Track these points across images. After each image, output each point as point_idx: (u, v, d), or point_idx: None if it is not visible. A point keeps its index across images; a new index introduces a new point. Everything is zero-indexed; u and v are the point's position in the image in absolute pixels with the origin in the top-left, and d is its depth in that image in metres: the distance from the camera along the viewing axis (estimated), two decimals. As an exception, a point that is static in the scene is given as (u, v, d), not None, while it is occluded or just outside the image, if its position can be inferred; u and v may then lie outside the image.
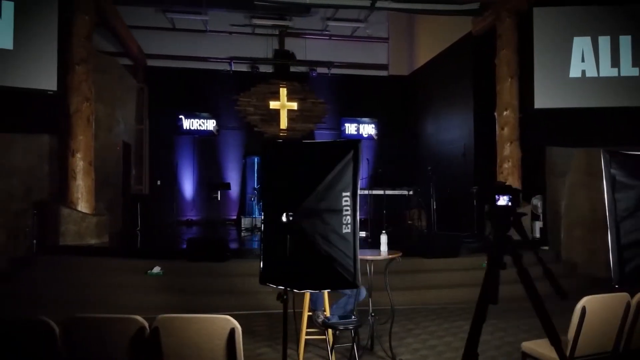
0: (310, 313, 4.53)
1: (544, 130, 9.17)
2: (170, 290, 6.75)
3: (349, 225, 2.31)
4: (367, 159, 12.27)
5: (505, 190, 2.30)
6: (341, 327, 3.88)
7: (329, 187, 2.29)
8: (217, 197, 10.32)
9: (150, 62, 13.19)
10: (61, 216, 7.91)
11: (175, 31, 13.22)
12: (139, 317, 2.76)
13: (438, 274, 7.36)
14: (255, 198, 11.07)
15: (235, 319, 5.91)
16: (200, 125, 13.05)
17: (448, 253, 7.68)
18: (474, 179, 10.20)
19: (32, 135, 8.52)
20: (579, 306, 3.46)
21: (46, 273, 7.41)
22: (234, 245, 8.36)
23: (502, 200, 2.31)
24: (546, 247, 8.79)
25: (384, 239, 4.74)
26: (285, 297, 2.27)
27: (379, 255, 4.63)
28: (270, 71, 13.50)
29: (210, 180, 11.82)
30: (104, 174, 10.03)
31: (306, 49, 13.53)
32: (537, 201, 9.32)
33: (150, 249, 8.45)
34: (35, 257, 7.72)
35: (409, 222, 10.27)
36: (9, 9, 7.39)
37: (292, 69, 13.57)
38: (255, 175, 12.26)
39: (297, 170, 2.37)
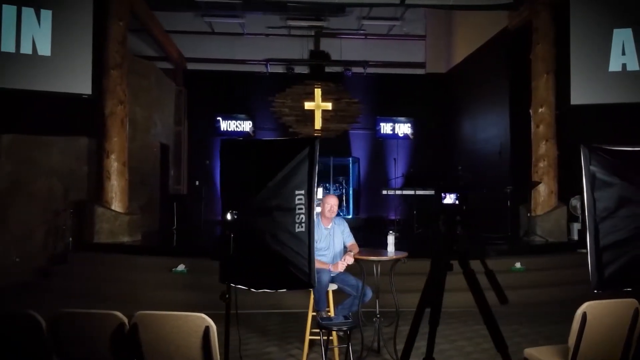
0: (314, 313, 4.52)
1: (582, 127, 8.76)
2: (192, 288, 6.90)
3: (303, 224, 2.29)
4: (394, 159, 12.13)
5: (452, 188, 2.21)
6: (335, 328, 3.86)
7: (281, 185, 2.28)
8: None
9: (190, 66, 13.54)
10: (96, 215, 8.23)
11: (214, 35, 13.51)
12: (118, 313, 2.83)
13: (461, 277, 7.15)
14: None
15: (251, 317, 6.03)
16: (237, 126, 13.28)
17: (474, 255, 7.44)
18: (510, 178, 9.88)
19: (70, 138, 8.93)
20: (579, 312, 3.29)
21: (80, 269, 7.77)
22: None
23: (449, 199, 2.23)
24: (584, 250, 8.39)
25: (390, 239, 4.67)
26: (227, 296, 2.28)
27: (386, 255, 4.57)
28: (306, 72, 13.57)
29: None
30: (141, 174, 10.38)
31: (341, 49, 13.52)
32: (575, 202, 8.95)
33: (178, 248, 8.67)
34: (71, 254, 8.09)
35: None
36: (47, 17, 7.75)
37: (327, 69, 13.58)
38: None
39: (252, 168, 2.37)
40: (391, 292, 4.61)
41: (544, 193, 8.75)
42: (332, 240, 4.71)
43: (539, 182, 8.71)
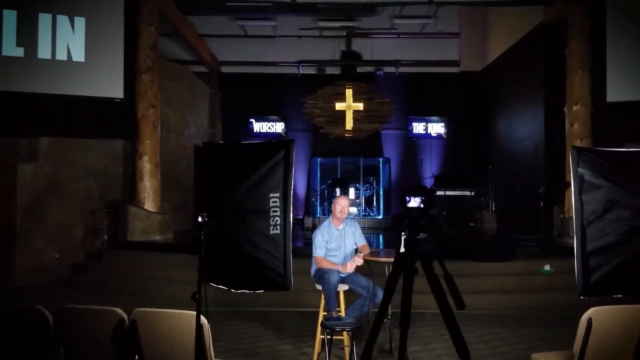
0: (325, 313, 4.55)
1: (618, 126, 8.43)
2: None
3: (278, 227, 2.31)
4: (421, 159, 11.99)
5: (417, 191, 2.20)
6: (338, 329, 3.87)
7: (255, 188, 2.31)
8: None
9: (224, 69, 13.79)
10: (129, 214, 8.52)
11: (247, 38, 13.71)
12: (119, 310, 2.95)
13: (488, 279, 7.04)
14: (314, 198, 11.22)
15: (271, 315, 6.11)
16: (269, 128, 13.44)
17: (501, 257, 7.31)
18: (544, 178, 9.62)
19: (107, 140, 9.27)
20: (584, 318, 3.19)
21: (114, 265, 8.09)
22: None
23: (414, 202, 2.21)
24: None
25: (403, 240, 4.63)
26: (198, 295, 2.33)
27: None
28: (337, 73, 13.59)
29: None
30: (176, 175, 10.68)
31: (373, 49, 13.46)
32: (612, 203, 8.61)
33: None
34: (106, 251, 8.42)
35: (471, 224, 9.89)
36: (80, 24, 8.07)
37: (359, 69, 13.56)
38: (318, 176, 12.43)
39: (229, 170, 2.42)
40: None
41: (577, 193, 8.45)
42: (343, 241, 4.73)
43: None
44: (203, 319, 2.87)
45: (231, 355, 4.78)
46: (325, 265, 4.55)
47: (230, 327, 5.73)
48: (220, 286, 2.57)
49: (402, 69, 13.33)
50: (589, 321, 3.18)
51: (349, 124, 13.24)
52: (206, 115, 12.66)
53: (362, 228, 11.56)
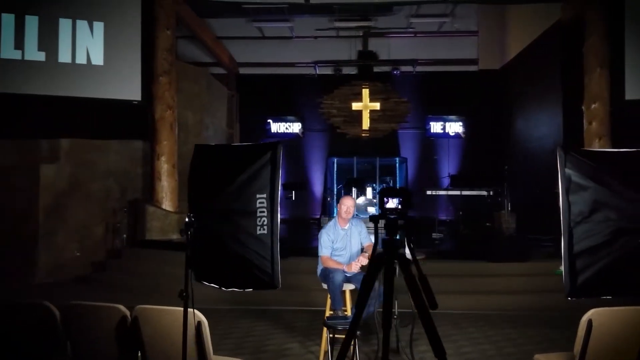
0: (332, 312, 4.60)
1: (638, 124, 8.26)
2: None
3: (265, 227, 2.37)
4: (436, 158, 11.93)
5: (395, 192, 2.23)
6: (340, 328, 3.92)
7: (242, 189, 2.37)
8: (291, 197, 10.65)
9: (242, 70, 13.93)
10: (147, 213, 8.69)
11: (265, 39, 13.82)
12: (121, 307, 3.05)
13: (501, 279, 6.99)
14: (330, 198, 11.27)
15: (282, 313, 6.18)
16: (286, 128, 13.53)
17: (516, 257, 7.25)
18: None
19: (126, 141, 9.49)
20: (584, 319, 3.18)
21: (132, 264, 8.27)
22: (301, 244, 8.62)
23: (392, 203, 2.24)
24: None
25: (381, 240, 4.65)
26: (185, 294, 2.40)
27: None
28: (354, 73, 13.61)
29: (293, 181, 12.21)
30: (193, 175, 10.83)
31: (390, 48, 13.45)
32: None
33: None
34: (125, 250, 8.62)
35: (487, 224, 9.80)
36: (99, 29, 8.27)
37: (376, 69, 13.55)
38: (334, 176, 12.47)
39: (217, 172, 2.48)
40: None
41: (596, 193, 8.32)
42: (349, 241, 4.77)
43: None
44: (201, 316, 2.96)
45: (239, 353, 4.86)
46: (331, 264, 4.60)
47: (241, 324, 5.82)
48: (212, 285, 2.64)
49: (419, 68, 13.27)
50: (589, 322, 3.17)
51: (366, 124, 13.24)
52: (224, 116, 12.81)
53: (379, 228, 11.68)
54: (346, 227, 4.79)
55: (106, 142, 9.21)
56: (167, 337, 2.99)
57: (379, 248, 2.31)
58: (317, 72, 13.40)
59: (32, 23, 7.97)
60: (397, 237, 2.29)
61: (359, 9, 12.24)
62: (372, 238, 4.85)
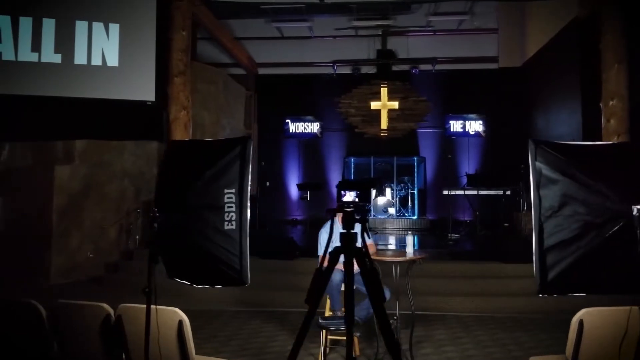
0: (331, 313, 4.53)
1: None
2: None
3: (234, 222, 2.32)
4: (449, 157, 11.75)
5: (351, 185, 2.16)
6: (333, 328, 3.85)
7: (209, 184, 2.33)
8: (306, 197, 10.61)
9: (262, 71, 13.97)
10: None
11: (284, 40, 13.84)
12: (105, 305, 3.05)
13: (515, 281, 6.79)
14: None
15: (289, 315, 6.13)
16: (305, 128, 13.49)
17: (530, 258, 7.03)
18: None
19: (142, 142, 9.57)
20: (575, 319, 3.07)
21: (144, 265, 8.27)
22: (314, 245, 8.53)
23: (349, 196, 2.17)
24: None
25: (409, 239, 4.56)
26: (147, 290, 2.37)
27: (405, 257, 4.48)
28: (373, 72, 13.50)
29: (309, 181, 12.18)
30: (209, 175, 10.89)
31: (409, 47, 13.30)
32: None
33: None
34: (137, 251, 8.68)
35: (505, 224, 9.58)
36: (115, 30, 8.39)
37: (395, 67, 13.41)
38: (352, 175, 12.39)
39: (186, 167, 2.45)
40: (408, 294, 4.49)
41: (616, 193, 8.04)
42: (349, 241, 4.68)
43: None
44: (182, 314, 2.94)
45: (242, 354, 4.86)
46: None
47: (248, 326, 5.81)
48: (184, 282, 2.61)
49: (438, 67, 13.08)
50: (580, 323, 3.05)
51: (384, 123, 13.11)
52: (242, 116, 12.86)
53: (396, 228, 11.54)
54: (346, 227, 4.70)
55: (121, 143, 9.30)
56: (150, 335, 2.97)
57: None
58: (336, 71, 13.33)
59: (49, 26, 8.14)
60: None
61: (377, 7, 12.15)
62: (371, 237, 4.78)
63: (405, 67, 13.28)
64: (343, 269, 4.46)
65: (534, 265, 2.45)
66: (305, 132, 13.49)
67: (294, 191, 13.47)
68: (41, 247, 8.11)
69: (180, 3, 9.01)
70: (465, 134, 12.95)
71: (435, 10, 12.69)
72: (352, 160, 12.75)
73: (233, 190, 2.32)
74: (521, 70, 12.81)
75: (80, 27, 8.26)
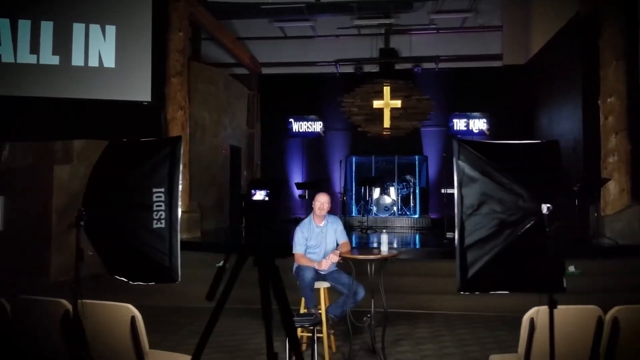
0: (305, 310, 4.55)
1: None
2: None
3: (163, 221, 2.35)
4: (444, 155, 11.66)
5: (262, 184, 2.17)
6: (297, 325, 3.87)
7: (138, 183, 2.37)
8: (304, 196, 10.63)
9: (265, 70, 14.05)
10: (158, 213, 8.84)
11: (287, 39, 13.90)
12: (64, 301, 3.10)
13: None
14: (347, 197, 11.21)
15: (277, 313, 6.14)
16: (308, 127, 13.55)
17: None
18: (584, 175, 9.09)
19: (141, 142, 9.67)
20: (525, 317, 3.05)
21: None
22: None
23: (259, 195, 2.18)
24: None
25: (384, 238, 4.56)
26: (74, 287, 2.41)
27: (379, 254, 4.47)
28: (375, 71, 13.47)
29: (307, 180, 12.21)
30: (210, 175, 10.99)
31: (412, 45, 13.27)
32: (656, 201, 8.01)
33: (227, 244, 8.92)
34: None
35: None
36: (111, 32, 8.50)
37: (398, 66, 13.40)
38: (353, 175, 12.39)
39: (117, 166, 2.49)
40: (382, 292, 4.49)
41: (614, 191, 7.94)
42: (324, 239, 4.71)
43: (608, 179, 7.92)
44: (135, 310, 2.98)
45: (219, 350, 4.90)
46: (303, 262, 4.57)
47: (234, 323, 5.85)
48: (122, 279, 2.66)
49: (442, 65, 13.02)
50: (531, 321, 3.03)
51: (387, 122, 13.09)
52: (244, 116, 12.93)
53: (398, 227, 11.50)
54: (322, 225, 4.73)
55: (122, 143, 9.40)
56: (107, 331, 3.03)
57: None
58: (339, 70, 13.34)
59: (47, 28, 8.28)
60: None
61: (377, 6, 12.13)
62: (346, 235, 4.79)
63: (408, 66, 13.24)
64: (316, 267, 4.50)
65: (456, 263, 2.45)
66: (308, 131, 13.55)
67: (296, 190, 13.52)
68: (41, 246, 8.25)
69: (177, 4, 9.12)
70: (469, 132, 12.88)
71: (438, 8, 12.63)
72: (354, 159, 12.74)
73: (162, 190, 2.36)
74: (526, 67, 12.68)
75: (78, 29, 8.38)
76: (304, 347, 4.64)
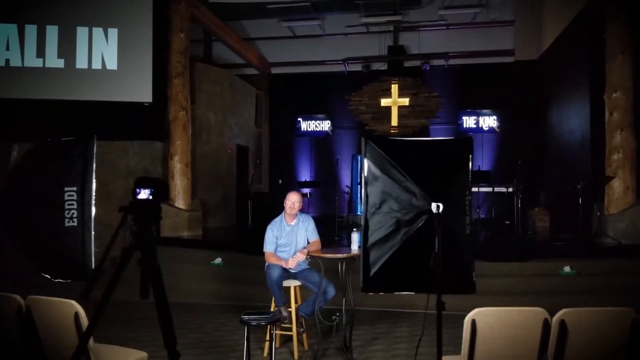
0: (276, 309, 4.58)
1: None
2: (227, 280, 7.32)
3: (75, 219, 2.40)
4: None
5: (146, 183, 2.19)
6: (254, 323, 3.89)
7: (49, 182, 2.42)
8: (307, 195, 10.64)
9: (274, 70, 14.12)
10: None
11: (296, 39, 13.93)
12: (17, 296, 3.20)
13: (497, 280, 6.63)
14: (352, 196, 11.20)
15: (262, 310, 6.17)
16: (316, 126, 13.57)
17: (514, 256, 6.86)
18: (591, 173, 8.86)
19: (146, 142, 9.86)
20: (467, 319, 3.00)
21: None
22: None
23: (143, 194, 2.20)
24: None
25: (355, 237, 4.55)
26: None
27: (349, 253, 4.46)
28: (383, 68, 13.38)
29: (309, 180, 12.23)
30: (216, 174, 11.12)
31: (421, 42, 13.10)
32: (662, 199, 7.75)
33: (224, 242, 8.98)
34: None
35: (506, 222, 9.32)
36: (113, 35, 8.70)
37: (407, 63, 13.29)
38: (359, 173, 12.32)
39: (34, 167, 2.54)
40: (349, 290, 4.48)
41: (618, 189, 7.72)
42: (295, 237, 4.72)
43: (612, 177, 7.70)
44: (78, 306, 3.06)
45: (196, 346, 4.96)
46: (272, 260, 4.59)
47: (216, 320, 5.92)
48: (46, 276, 2.72)
49: (451, 61, 12.85)
50: (473, 323, 2.99)
51: (395, 120, 13.00)
52: (252, 116, 13.03)
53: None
54: (293, 223, 4.74)
55: (126, 143, 9.60)
56: (54, 326, 3.11)
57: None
58: (347, 69, 13.30)
59: (52, 32, 8.52)
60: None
61: (384, 2, 12.04)
62: (317, 234, 4.79)
63: (416, 63, 13.10)
64: (284, 266, 4.51)
65: (361, 262, 2.43)
66: (316, 130, 13.57)
67: (305, 189, 13.55)
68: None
69: (178, 6, 9.24)
70: (478, 129, 12.69)
71: (448, 4, 12.47)
72: (359, 158, 12.68)
73: (74, 189, 2.41)
74: (538, 62, 12.40)
75: (82, 32, 8.60)
76: (277, 344, 4.67)
